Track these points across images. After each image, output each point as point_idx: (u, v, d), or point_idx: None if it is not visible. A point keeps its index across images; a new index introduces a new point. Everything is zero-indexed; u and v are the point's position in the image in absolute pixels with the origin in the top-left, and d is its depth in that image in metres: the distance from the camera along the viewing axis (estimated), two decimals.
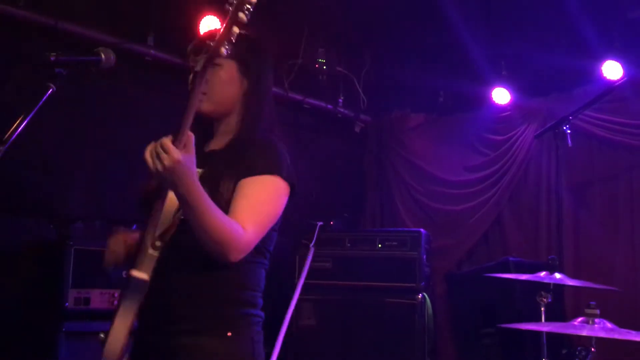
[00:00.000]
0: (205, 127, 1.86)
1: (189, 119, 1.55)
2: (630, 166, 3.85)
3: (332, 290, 3.84)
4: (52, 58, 1.73)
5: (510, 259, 3.61)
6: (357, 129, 4.66)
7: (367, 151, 4.93)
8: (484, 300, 3.39)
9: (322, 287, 3.82)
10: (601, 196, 3.96)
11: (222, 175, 1.72)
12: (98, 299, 3.00)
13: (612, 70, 3.80)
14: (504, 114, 4.41)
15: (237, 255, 1.63)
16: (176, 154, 1.49)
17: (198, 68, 1.52)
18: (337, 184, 4.72)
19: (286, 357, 3.57)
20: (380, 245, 3.84)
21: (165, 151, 1.50)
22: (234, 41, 1.50)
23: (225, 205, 1.68)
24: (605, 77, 3.83)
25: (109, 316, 3.00)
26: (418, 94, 4.69)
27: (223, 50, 1.50)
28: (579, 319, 2.35)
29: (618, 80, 3.77)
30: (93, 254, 2.96)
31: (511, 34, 4.02)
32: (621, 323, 3.50)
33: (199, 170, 1.73)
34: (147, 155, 1.55)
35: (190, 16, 3.54)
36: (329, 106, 4.53)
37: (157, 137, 1.74)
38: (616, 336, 2.06)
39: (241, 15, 1.48)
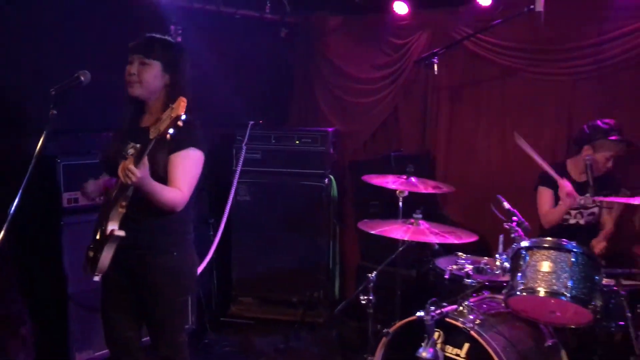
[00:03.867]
0: (139, 105, 2.80)
1: (146, 152, 2.42)
2: (491, 77, 4.85)
3: (261, 174, 5.04)
4: (53, 92, 2.53)
5: (392, 154, 4.76)
6: (282, 34, 5.36)
7: (295, 53, 5.70)
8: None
9: (253, 172, 5.01)
10: (470, 98, 4.98)
11: (157, 150, 2.55)
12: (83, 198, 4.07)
13: None
14: (403, 22, 5.19)
15: (180, 208, 2.68)
16: (139, 172, 2.43)
17: (151, 136, 2.37)
18: (269, 85, 5.50)
19: (230, 223, 4.87)
20: (298, 142, 4.98)
21: (132, 172, 2.43)
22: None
23: (163, 170, 2.63)
24: (478, 2, 4.70)
25: (92, 210, 4.04)
26: None
27: (168, 136, 2.32)
28: (411, 220, 3.58)
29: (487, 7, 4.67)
30: (77, 166, 3.98)
31: None
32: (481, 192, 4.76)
33: (137, 145, 2.60)
34: (120, 173, 2.45)
35: None
36: (257, 14, 5.21)
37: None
38: (421, 238, 3.29)
39: (171, 130, 2.29)
